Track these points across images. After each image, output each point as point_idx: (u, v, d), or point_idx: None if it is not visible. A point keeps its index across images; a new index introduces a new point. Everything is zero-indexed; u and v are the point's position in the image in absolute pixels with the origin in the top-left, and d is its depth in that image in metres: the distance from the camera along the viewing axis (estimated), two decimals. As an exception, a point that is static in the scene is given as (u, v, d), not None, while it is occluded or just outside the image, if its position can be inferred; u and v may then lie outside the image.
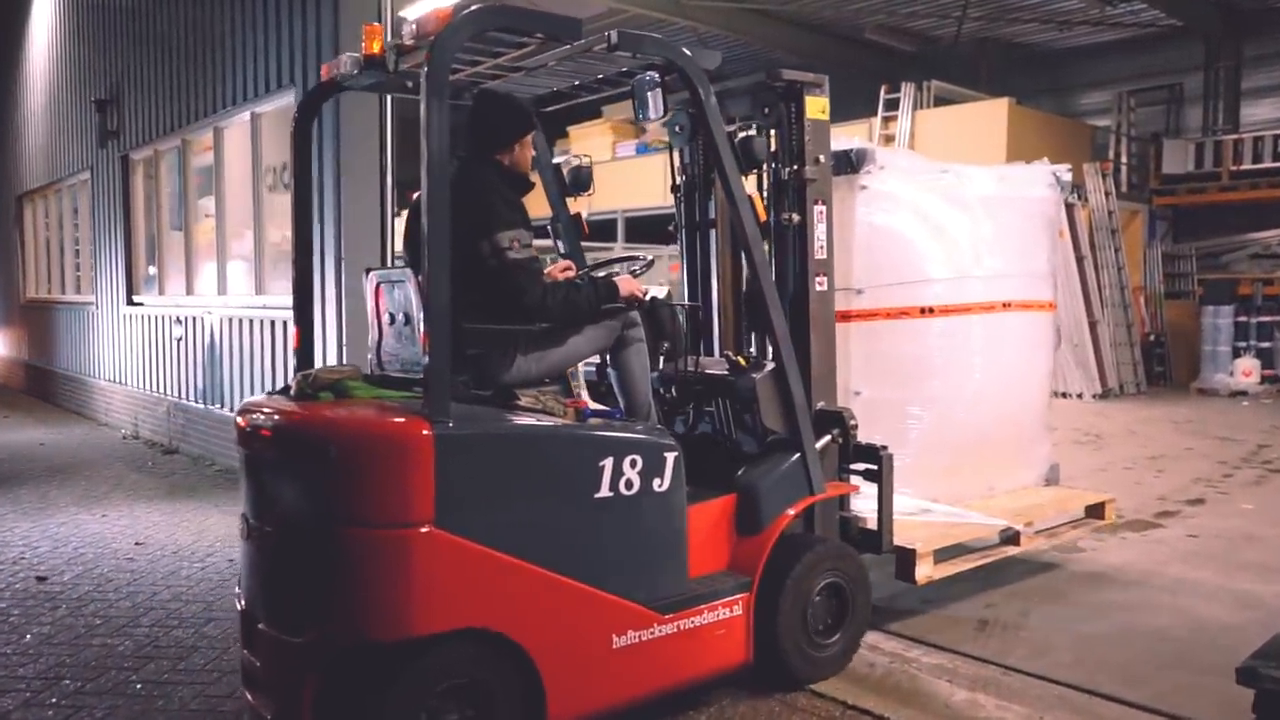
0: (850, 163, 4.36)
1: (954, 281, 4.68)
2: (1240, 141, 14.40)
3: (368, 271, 3.45)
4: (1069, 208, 11.81)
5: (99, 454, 8.86)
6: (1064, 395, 11.93)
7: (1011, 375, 4.96)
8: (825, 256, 3.90)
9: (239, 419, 3.19)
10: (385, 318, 3.29)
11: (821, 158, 3.87)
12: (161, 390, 9.40)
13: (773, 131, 3.86)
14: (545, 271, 3.48)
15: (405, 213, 3.73)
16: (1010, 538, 4.41)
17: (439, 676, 2.74)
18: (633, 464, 3.04)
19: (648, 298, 3.63)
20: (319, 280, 6.62)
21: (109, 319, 10.79)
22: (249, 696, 3.07)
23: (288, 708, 2.84)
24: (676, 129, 4.29)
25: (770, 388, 3.60)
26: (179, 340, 8.95)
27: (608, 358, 3.68)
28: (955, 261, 4.71)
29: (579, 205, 4.30)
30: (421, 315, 2.96)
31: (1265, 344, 12.82)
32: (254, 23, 7.36)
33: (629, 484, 3.04)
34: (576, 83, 3.80)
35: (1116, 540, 5.46)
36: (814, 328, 3.84)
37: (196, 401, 8.61)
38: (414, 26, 2.95)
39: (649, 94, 3.54)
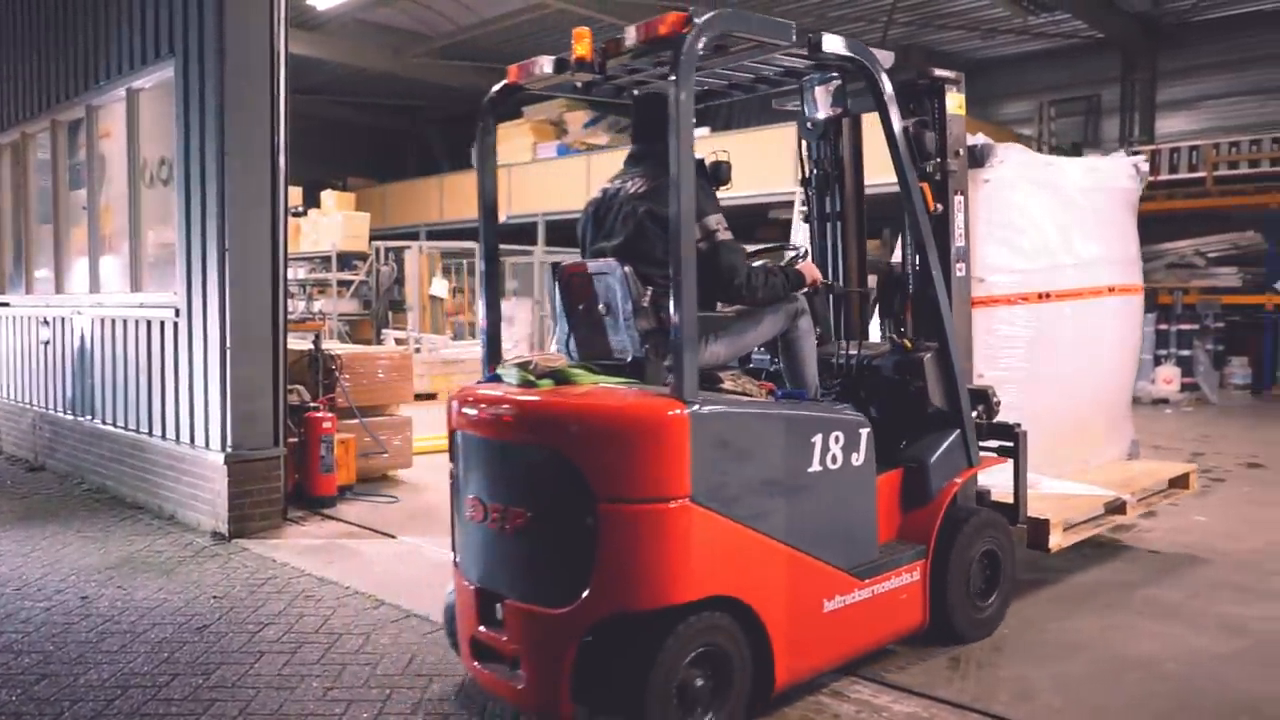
0: (974, 157, 4.52)
1: (1067, 268, 4.99)
2: (1157, 152, 14.53)
3: (555, 265, 3.58)
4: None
5: (-49, 472, 7.86)
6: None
7: (1114, 354, 5.36)
8: (964, 244, 4.17)
9: (467, 409, 3.23)
10: (580, 308, 3.45)
11: (960, 151, 4.16)
12: (27, 400, 8.42)
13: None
14: None
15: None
16: (1117, 507, 4.72)
17: (689, 644, 2.84)
18: (836, 440, 3.25)
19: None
20: (200, 274, 5.88)
21: (-29, 321, 9.70)
22: (481, 671, 3.14)
23: (546, 677, 2.91)
24: (808, 125, 4.47)
25: (935, 367, 3.83)
26: (45, 344, 8.02)
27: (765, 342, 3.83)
28: (1066, 249, 5.03)
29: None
30: (628, 305, 3.22)
31: (1185, 352, 12.87)
32: (128, -16, 6.56)
33: (834, 459, 3.25)
34: (729, 82, 3.91)
35: (1080, 558, 5.07)
36: (955, 312, 4.00)
37: (65, 412, 7.69)
38: (639, 30, 3.11)
39: (818, 91, 3.95)
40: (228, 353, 5.63)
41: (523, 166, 17.26)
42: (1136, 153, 7.02)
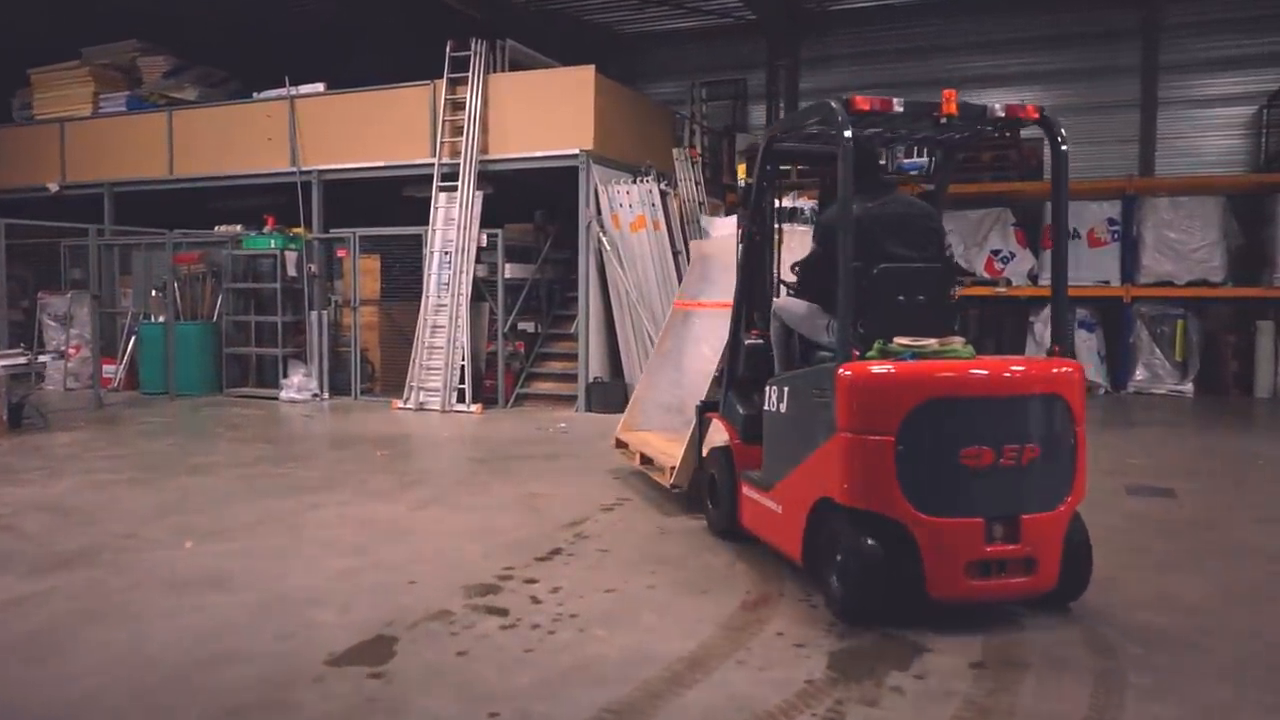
0: None
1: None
2: (802, 140, 14.36)
3: (865, 267, 4.37)
4: (664, 196, 10.52)
5: None
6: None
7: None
8: None
9: (968, 381, 4.11)
10: (900, 299, 4.52)
11: None
12: None
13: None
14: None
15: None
16: None
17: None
18: None
19: None
20: None
21: None
22: (983, 585, 3.99)
23: (1053, 562, 4.08)
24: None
25: None
26: None
27: None
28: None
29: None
30: (952, 296, 4.82)
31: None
32: None
33: None
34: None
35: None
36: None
37: None
38: (1007, 109, 4.42)
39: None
40: None
41: (82, 123, 13.61)
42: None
